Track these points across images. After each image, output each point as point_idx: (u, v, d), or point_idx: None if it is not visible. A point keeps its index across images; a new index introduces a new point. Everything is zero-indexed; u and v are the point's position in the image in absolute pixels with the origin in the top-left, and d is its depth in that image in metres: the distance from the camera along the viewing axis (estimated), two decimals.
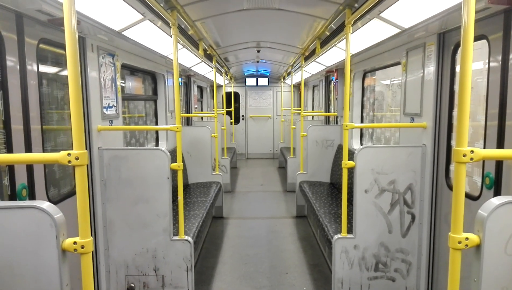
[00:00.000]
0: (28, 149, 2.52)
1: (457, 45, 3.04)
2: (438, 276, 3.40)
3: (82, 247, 1.53)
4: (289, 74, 9.49)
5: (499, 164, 2.50)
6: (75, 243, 1.53)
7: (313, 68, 7.18)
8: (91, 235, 1.56)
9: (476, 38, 2.45)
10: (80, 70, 1.84)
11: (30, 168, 2.53)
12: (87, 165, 2.24)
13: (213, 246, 5.27)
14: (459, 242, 1.51)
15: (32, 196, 2.55)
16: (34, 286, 1.57)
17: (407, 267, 3.46)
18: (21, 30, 2.46)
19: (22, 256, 1.55)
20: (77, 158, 1.50)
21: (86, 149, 2.10)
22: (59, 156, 1.50)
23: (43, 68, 2.92)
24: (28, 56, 2.52)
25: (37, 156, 1.64)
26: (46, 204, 1.54)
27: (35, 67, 2.61)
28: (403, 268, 3.46)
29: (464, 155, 1.50)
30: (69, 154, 1.50)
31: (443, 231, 3.27)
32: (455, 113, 3.15)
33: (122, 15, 3.00)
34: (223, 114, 9.81)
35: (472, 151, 1.50)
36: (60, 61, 3.16)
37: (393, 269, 3.46)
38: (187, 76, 7.69)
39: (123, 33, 3.24)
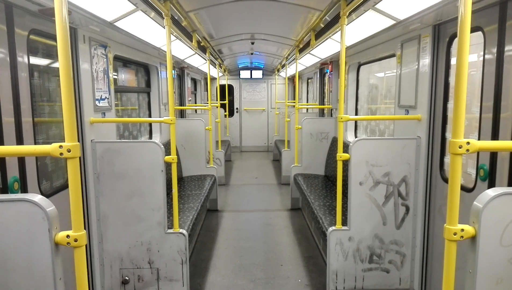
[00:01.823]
0: (20, 142, 2.48)
1: (452, 37, 3.03)
2: (432, 268, 3.43)
3: (75, 240, 1.51)
4: (283, 66, 9.45)
5: (493, 156, 2.51)
6: (68, 236, 1.51)
7: (308, 60, 7.15)
8: (85, 229, 1.54)
9: (472, 30, 2.43)
10: (72, 61, 1.80)
11: (22, 161, 2.50)
12: (80, 158, 2.20)
13: (208, 239, 5.27)
14: (455, 234, 1.51)
15: (24, 189, 2.51)
16: (27, 280, 1.55)
17: (401, 259, 3.48)
18: (11, 21, 2.40)
19: (15, 249, 1.53)
20: (69, 150, 1.47)
21: (79, 141, 2.07)
22: (51, 148, 1.48)
23: (34, 60, 2.87)
24: (19, 47, 2.47)
25: (28, 148, 1.61)
26: (38, 197, 1.52)
27: (25, 59, 2.56)
28: (397, 260, 3.48)
29: (460, 147, 1.50)
30: (61, 146, 1.47)
31: (437, 222, 3.29)
32: (449, 105, 3.15)
33: (114, 5, 2.95)
34: (217, 107, 9.77)
35: (468, 143, 1.50)
36: (51, 53, 3.11)
37: (387, 260, 3.48)
38: (181, 68, 7.63)
39: (115, 24, 3.19)
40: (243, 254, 4.77)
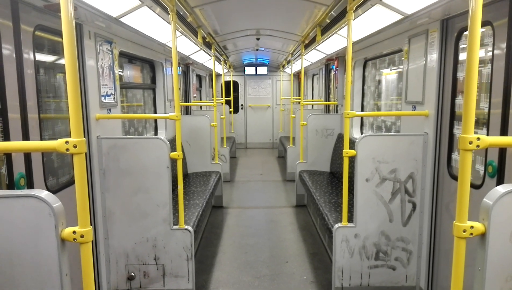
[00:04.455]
0: (26, 138, 2.48)
1: (461, 32, 2.99)
2: (438, 265, 3.40)
3: (82, 236, 1.51)
4: (288, 62, 9.41)
5: (502, 152, 2.47)
6: (74, 232, 1.51)
7: (313, 56, 7.11)
8: (91, 225, 1.54)
9: (481, 25, 2.40)
10: (78, 57, 1.79)
11: (28, 157, 2.50)
12: (86, 154, 2.20)
13: (213, 236, 5.28)
14: (464, 231, 1.49)
15: (30, 185, 2.52)
16: (33, 275, 1.55)
17: (408, 256, 3.46)
18: (17, 17, 2.40)
19: (21, 245, 1.53)
20: (75, 146, 1.47)
21: (85, 137, 2.06)
22: (57, 144, 1.48)
23: (40, 56, 2.87)
24: (24, 43, 2.47)
25: (34, 144, 1.61)
26: (44, 193, 1.51)
27: (31, 55, 2.56)
28: (403, 257, 3.46)
29: (470, 143, 1.47)
30: (67, 142, 1.47)
31: (444, 220, 3.26)
32: (458, 101, 3.11)
33: (120, 1, 2.94)
34: (222, 103, 9.76)
35: (478, 138, 1.47)
36: (57, 49, 3.11)
37: (393, 257, 3.46)
38: (186, 65, 7.63)
39: (120, 19, 3.18)
40: (248, 251, 4.76)
